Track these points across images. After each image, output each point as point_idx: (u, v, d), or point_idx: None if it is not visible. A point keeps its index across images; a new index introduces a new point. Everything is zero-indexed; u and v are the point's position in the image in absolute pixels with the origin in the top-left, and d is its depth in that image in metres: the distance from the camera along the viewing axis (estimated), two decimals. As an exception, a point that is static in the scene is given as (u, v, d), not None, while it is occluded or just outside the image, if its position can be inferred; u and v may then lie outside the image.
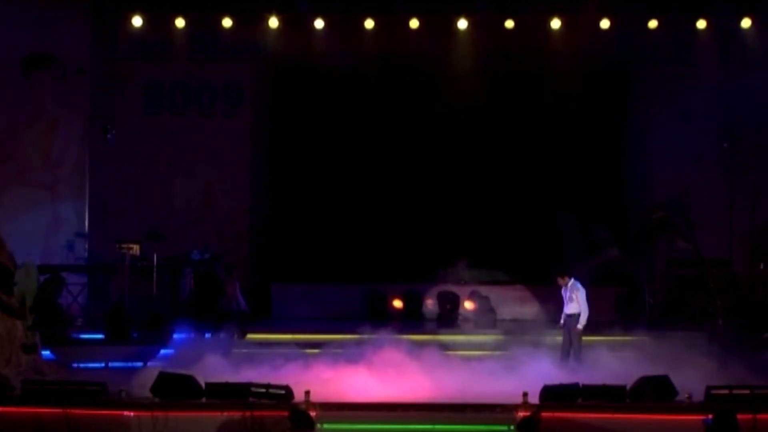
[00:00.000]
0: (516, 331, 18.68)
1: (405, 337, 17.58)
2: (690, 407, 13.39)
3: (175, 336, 18.46)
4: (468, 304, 21.03)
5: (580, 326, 16.43)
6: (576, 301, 16.48)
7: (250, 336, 18.32)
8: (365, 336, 17.20)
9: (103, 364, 17.25)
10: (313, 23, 21.48)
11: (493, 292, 21.23)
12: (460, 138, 22.20)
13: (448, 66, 21.83)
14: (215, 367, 15.33)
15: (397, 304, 21.16)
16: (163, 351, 17.81)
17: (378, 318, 19.93)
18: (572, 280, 16.58)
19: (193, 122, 22.35)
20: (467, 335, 19.40)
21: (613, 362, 15.71)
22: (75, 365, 17.14)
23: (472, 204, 22.13)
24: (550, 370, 15.25)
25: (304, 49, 21.76)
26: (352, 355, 16.08)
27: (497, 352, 17.36)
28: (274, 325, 19.63)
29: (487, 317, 20.72)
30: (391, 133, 22.23)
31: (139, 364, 17.20)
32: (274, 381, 13.93)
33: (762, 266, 20.16)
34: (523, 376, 14.89)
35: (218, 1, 21.57)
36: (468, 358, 16.75)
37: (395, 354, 15.99)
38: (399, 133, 22.23)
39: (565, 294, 16.58)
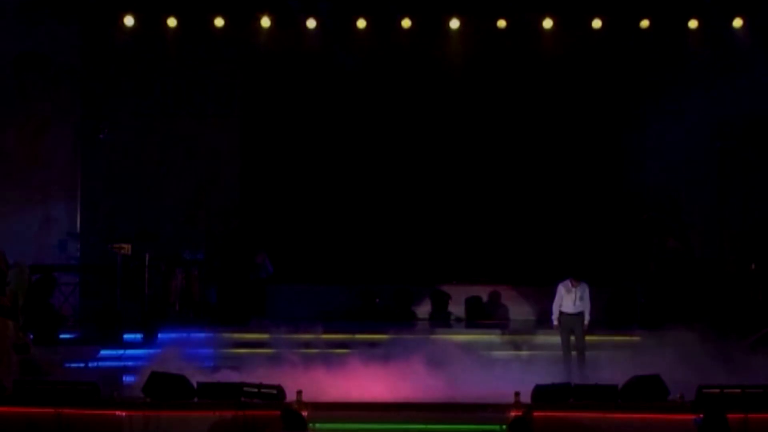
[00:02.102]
0: (517, 330, 18.83)
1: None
2: (681, 407, 13.46)
3: (162, 336, 18.60)
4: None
5: (586, 323, 16.63)
6: (585, 300, 16.61)
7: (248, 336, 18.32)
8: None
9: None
10: (305, 23, 21.46)
11: (484, 292, 21.28)
12: (452, 139, 22.22)
13: (440, 66, 21.89)
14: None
15: None
16: (150, 351, 17.77)
17: (370, 318, 20.02)
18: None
19: (184, 123, 22.33)
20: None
21: (605, 362, 15.83)
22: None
23: (464, 205, 22.15)
24: (546, 369, 15.40)
25: (296, 50, 21.75)
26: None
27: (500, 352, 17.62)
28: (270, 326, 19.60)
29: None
30: (383, 135, 22.25)
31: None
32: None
33: (753, 266, 20.25)
34: (517, 374, 15.01)
35: (210, 1, 21.49)
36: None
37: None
38: (391, 134, 22.26)
39: (572, 294, 16.63)
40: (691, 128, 21.34)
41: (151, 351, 17.64)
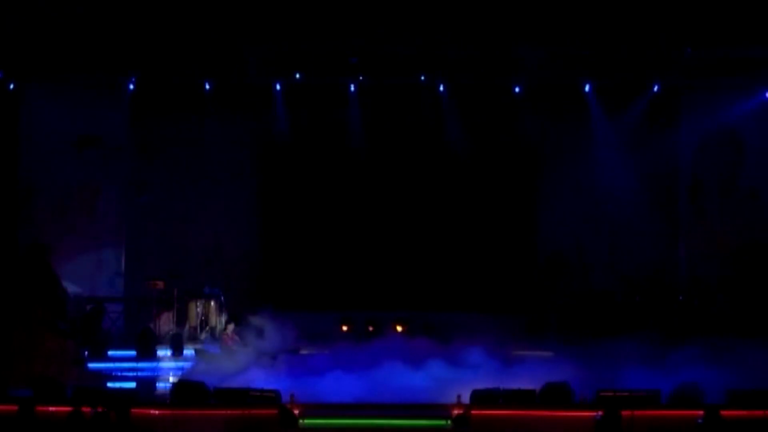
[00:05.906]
0: None
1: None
2: (584, 405, 13.52)
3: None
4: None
5: None
6: None
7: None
8: None
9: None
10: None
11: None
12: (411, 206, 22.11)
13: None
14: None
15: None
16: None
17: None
18: None
19: (205, 186, 22.14)
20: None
21: (524, 371, 15.85)
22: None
23: (426, 251, 21.98)
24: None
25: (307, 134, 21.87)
26: None
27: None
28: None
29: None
30: (373, 204, 22.04)
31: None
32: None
33: (637, 298, 20.61)
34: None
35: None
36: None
37: None
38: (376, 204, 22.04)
39: None
40: (591, 198, 21.71)
41: (179, 363, 17.75)
